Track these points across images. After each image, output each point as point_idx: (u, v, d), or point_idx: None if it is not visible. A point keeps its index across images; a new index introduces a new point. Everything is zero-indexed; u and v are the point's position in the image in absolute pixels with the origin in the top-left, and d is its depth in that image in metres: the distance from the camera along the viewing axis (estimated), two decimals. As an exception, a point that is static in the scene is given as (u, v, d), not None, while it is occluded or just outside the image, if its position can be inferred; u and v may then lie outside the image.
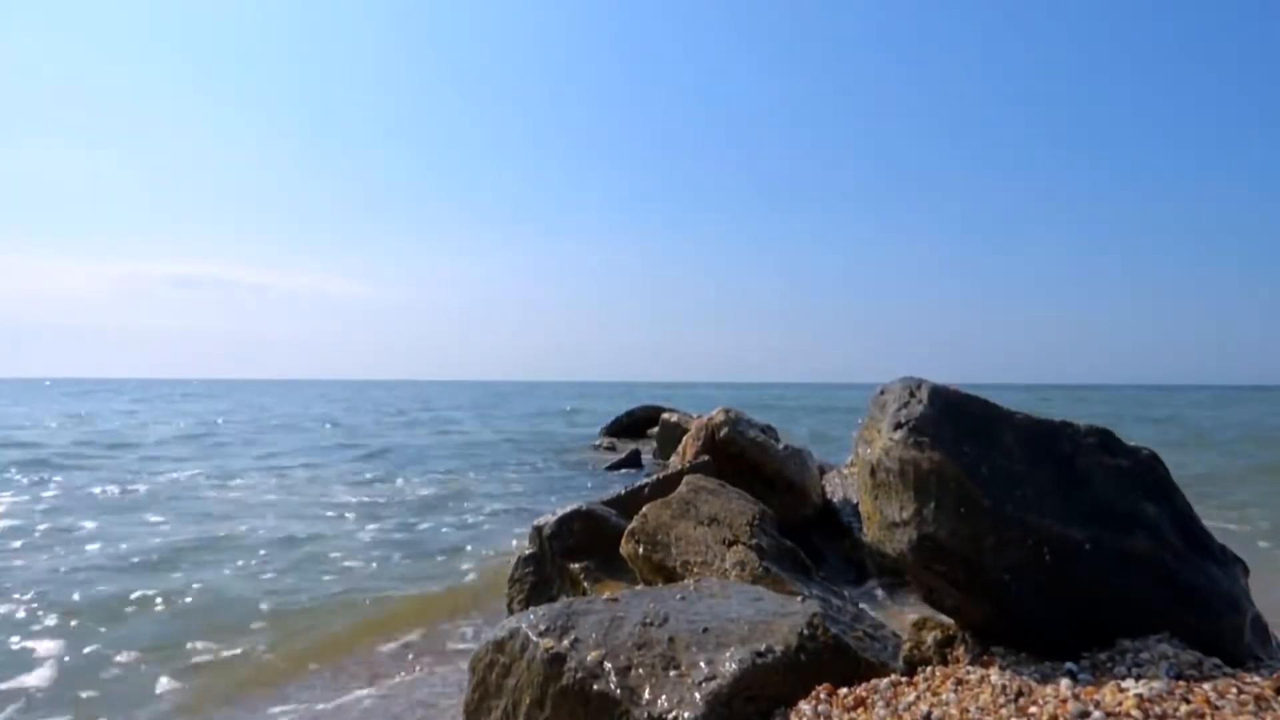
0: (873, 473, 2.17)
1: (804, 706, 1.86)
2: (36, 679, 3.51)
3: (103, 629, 4.18)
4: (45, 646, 3.90)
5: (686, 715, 1.83)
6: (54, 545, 6.15)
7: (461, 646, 3.83)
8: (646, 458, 11.72)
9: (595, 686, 1.96)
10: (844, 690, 1.90)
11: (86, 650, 3.87)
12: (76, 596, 4.72)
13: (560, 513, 4.11)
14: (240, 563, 5.74)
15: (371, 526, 7.18)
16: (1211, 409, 32.17)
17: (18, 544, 6.15)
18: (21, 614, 4.38)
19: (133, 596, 4.72)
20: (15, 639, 4.00)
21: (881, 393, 2.28)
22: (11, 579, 5.07)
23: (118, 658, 3.77)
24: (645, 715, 1.87)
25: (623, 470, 10.69)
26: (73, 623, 4.26)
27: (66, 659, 3.76)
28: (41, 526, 6.85)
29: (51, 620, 4.29)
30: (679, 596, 2.42)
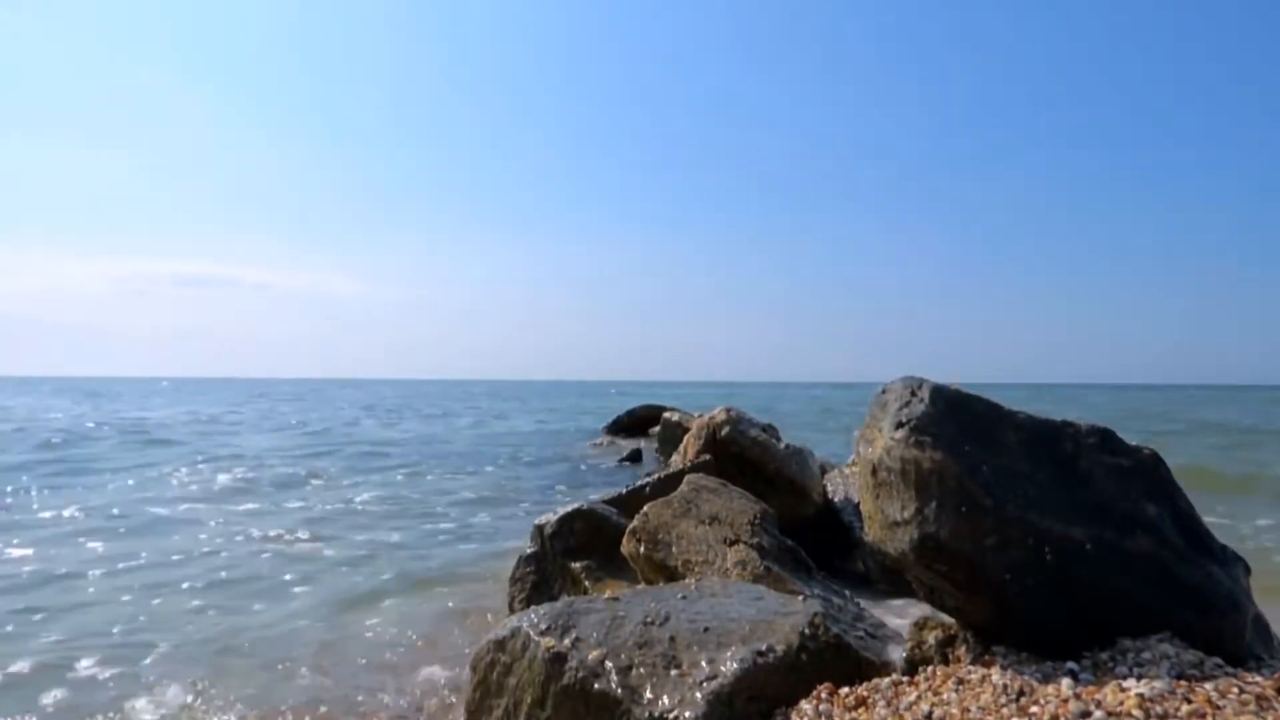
0: (874, 472, 2.17)
1: (805, 706, 1.86)
2: None
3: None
4: None
5: (688, 715, 1.83)
6: None
7: (462, 645, 3.83)
8: (648, 456, 11.72)
9: (596, 686, 1.97)
10: (845, 690, 1.90)
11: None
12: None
13: (561, 512, 4.11)
14: (232, 562, 5.75)
15: (369, 526, 7.18)
16: (1214, 408, 32.16)
17: None
18: None
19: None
20: None
21: (883, 392, 2.28)
22: None
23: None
24: (646, 715, 1.88)
25: (627, 463, 10.69)
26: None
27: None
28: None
29: None
30: (680, 596, 2.42)
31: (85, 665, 3.67)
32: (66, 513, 7.54)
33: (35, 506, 7.94)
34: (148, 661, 3.73)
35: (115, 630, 4.17)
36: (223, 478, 10.34)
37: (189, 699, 3.31)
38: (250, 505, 8.23)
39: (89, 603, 4.69)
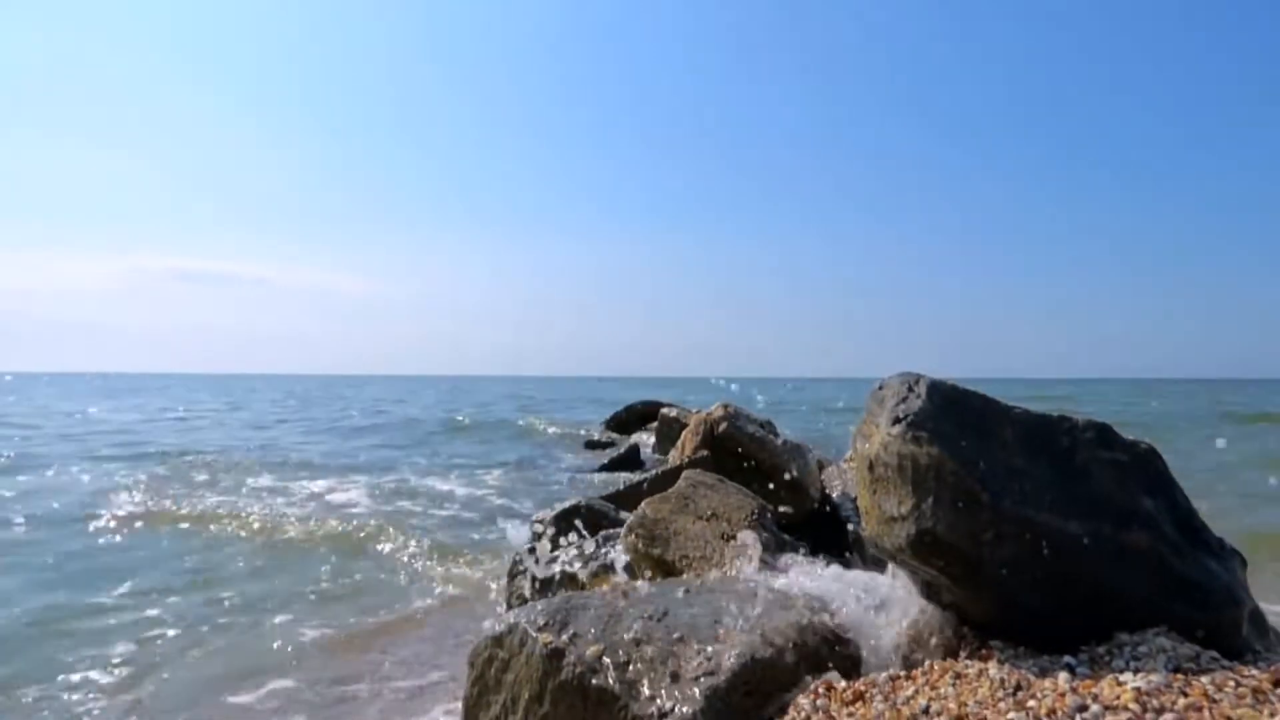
0: (871, 467, 2.17)
1: (803, 701, 1.86)
2: None
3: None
4: None
5: (686, 710, 1.83)
6: None
7: (460, 641, 3.84)
8: (646, 452, 11.72)
9: (594, 681, 1.96)
10: (843, 684, 1.91)
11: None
12: None
13: (559, 507, 4.11)
14: (231, 561, 5.75)
15: (367, 524, 7.18)
16: (1213, 403, 32.20)
17: None
18: None
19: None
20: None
21: (880, 387, 2.28)
22: None
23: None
24: (645, 710, 1.87)
25: (620, 472, 10.65)
26: None
27: None
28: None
29: None
30: (678, 591, 2.42)
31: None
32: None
33: None
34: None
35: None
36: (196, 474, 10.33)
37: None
38: (219, 497, 8.24)
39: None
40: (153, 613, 4.42)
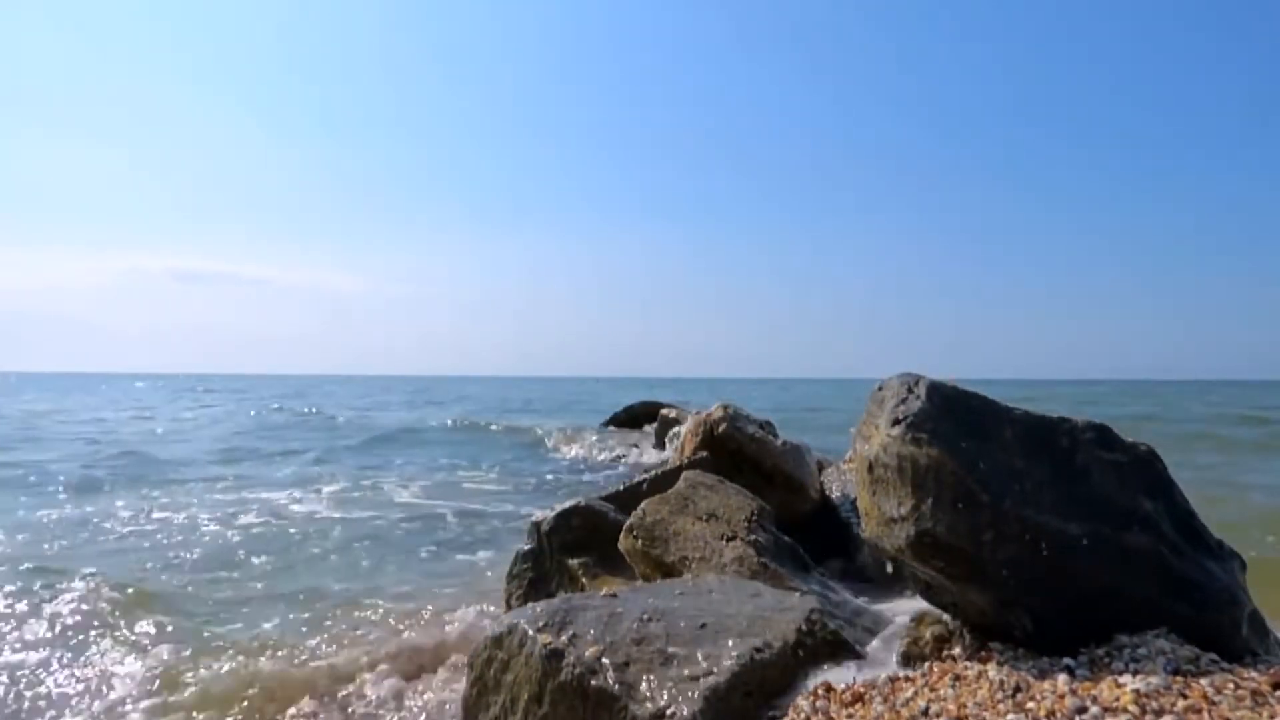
0: (871, 468, 2.17)
1: (802, 702, 1.86)
2: None
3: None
4: None
5: (685, 711, 1.83)
6: None
7: (460, 642, 3.83)
8: (646, 452, 11.72)
9: (593, 682, 1.96)
10: (842, 686, 1.91)
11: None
12: None
13: (559, 508, 4.11)
14: (229, 562, 5.75)
15: (366, 523, 7.18)
16: (1211, 405, 32.21)
17: None
18: None
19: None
20: None
21: (880, 388, 2.28)
22: None
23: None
24: (643, 711, 1.87)
25: (625, 459, 10.69)
26: None
27: None
28: None
29: None
30: (677, 592, 2.42)
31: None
32: None
33: None
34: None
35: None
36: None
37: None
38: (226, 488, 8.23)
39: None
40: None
